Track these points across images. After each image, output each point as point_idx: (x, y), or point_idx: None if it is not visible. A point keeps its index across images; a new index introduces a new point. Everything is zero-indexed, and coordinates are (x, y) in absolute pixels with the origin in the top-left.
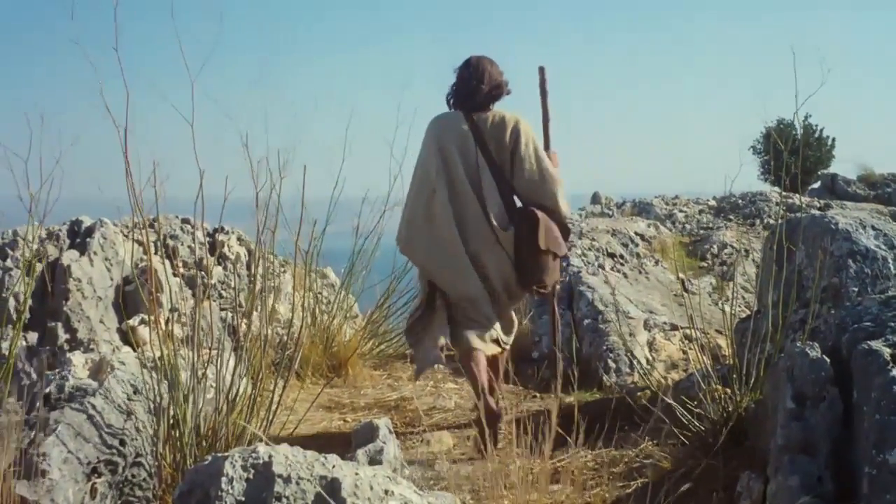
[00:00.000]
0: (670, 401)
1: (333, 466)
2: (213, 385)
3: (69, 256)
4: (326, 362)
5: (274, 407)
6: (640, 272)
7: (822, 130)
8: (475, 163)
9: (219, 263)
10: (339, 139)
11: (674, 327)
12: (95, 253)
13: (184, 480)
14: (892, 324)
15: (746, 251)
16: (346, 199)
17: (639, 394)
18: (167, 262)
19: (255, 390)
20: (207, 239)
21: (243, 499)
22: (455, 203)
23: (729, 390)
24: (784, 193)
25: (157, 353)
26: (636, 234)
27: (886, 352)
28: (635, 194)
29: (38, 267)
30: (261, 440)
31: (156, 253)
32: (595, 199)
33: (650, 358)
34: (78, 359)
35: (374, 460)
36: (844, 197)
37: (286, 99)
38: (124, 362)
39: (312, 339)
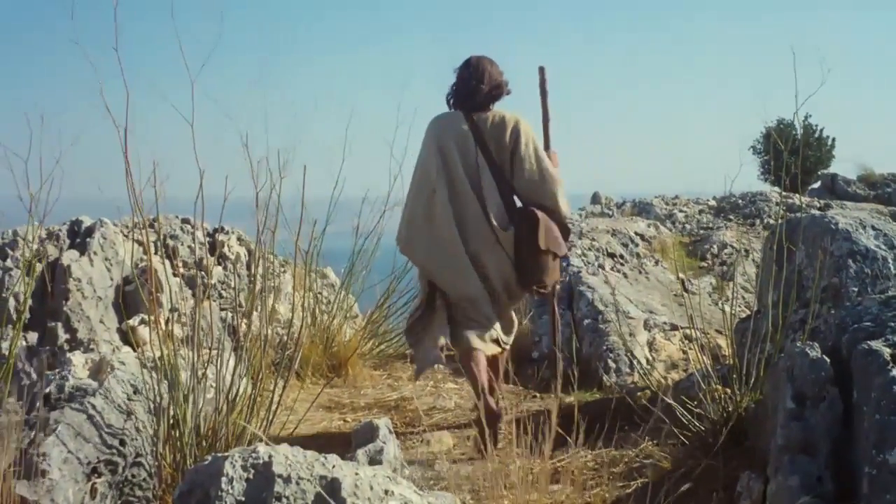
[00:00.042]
0: (670, 401)
1: (333, 466)
2: (213, 385)
3: (69, 256)
4: (326, 362)
5: (274, 407)
6: (640, 272)
7: (822, 130)
8: (475, 163)
9: (219, 263)
10: (339, 139)
11: (674, 327)
12: (95, 253)
13: (184, 480)
14: (892, 324)
15: (746, 251)
16: (346, 199)
17: (639, 394)
18: (167, 262)
19: (255, 390)
20: (207, 239)
21: (243, 499)
22: (455, 203)
23: (729, 390)
24: (784, 193)
25: (157, 353)
26: (636, 234)
27: (886, 352)
28: (635, 194)
29: (38, 267)
30: (261, 440)
31: (156, 253)
32: (595, 199)
33: (650, 358)
34: (78, 359)
35: (374, 460)
36: (844, 197)
37: (286, 99)
38: (124, 362)
39: (312, 339)
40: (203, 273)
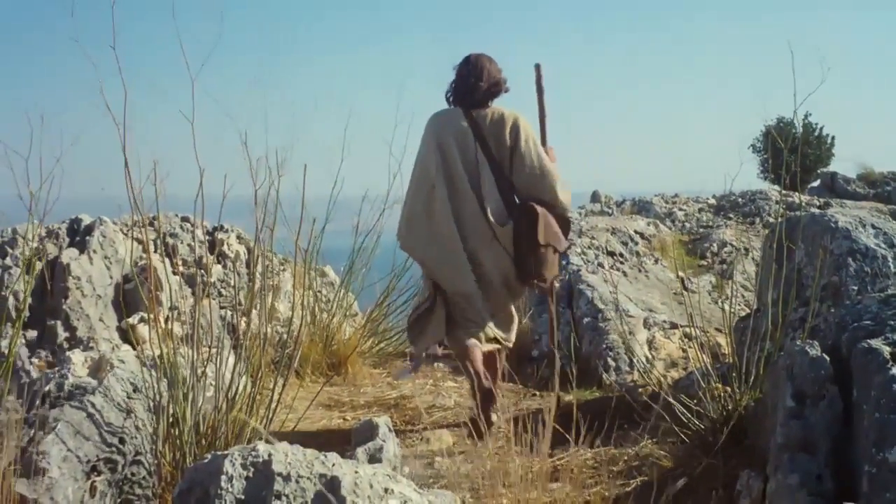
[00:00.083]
0: (670, 399)
1: (333, 465)
2: (213, 383)
3: (69, 255)
4: (326, 360)
5: (273, 405)
6: (640, 270)
7: (821, 129)
8: (474, 159)
9: (218, 262)
10: (338, 139)
11: (673, 326)
12: (95, 251)
13: (183, 479)
14: (892, 322)
15: (746, 249)
16: (346, 198)
17: (640, 390)
18: (167, 260)
19: (255, 388)
20: (207, 237)
21: (243, 497)
22: (454, 199)
23: (729, 389)
24: (784, 192)
25: (157, 352)
26: (636, 232)
27: (886, 350)
28: (635, 193)
29: (38, 265)
30: (262, 436)
31: (155, 251)
32: (595, 197)
33: (650, 356)
34: (77, 357)
35: (374, 458)
36: (844, 195)
37: (286, 99)
38: (124, 360)
39: (312, 338)
40: (202, 271)
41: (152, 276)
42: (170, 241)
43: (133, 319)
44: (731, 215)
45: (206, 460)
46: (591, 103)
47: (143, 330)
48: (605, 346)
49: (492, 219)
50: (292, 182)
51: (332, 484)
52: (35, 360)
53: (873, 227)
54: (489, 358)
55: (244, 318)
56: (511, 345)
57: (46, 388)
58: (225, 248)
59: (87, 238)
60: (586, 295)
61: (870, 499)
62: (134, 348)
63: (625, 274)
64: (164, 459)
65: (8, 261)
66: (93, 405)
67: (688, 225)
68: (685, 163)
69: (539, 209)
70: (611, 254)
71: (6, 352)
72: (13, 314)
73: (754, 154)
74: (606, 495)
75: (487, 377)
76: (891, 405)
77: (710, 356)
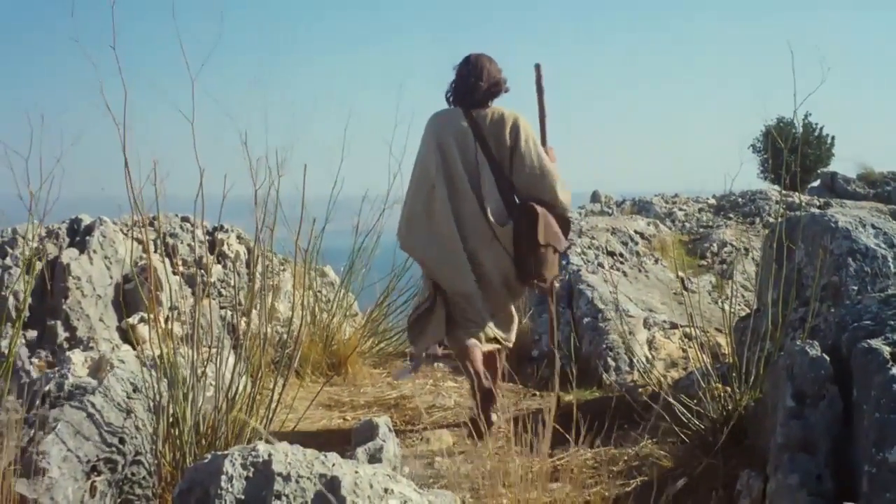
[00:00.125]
0: (670, 399)
1: (333, 465)
2: (213, 383)
3: (69, 255)
4: (326, 360)
5: (273, 405)
6: (640, 270)
7: (821, 129)
8: (475, 159)
9: (218, 262)
10: (338, 139)
11: (673, 326)
12: (95, 251)
13: (183, 479)
14: (892, 322)
15: (746, 249)
16: (346, 198)
17: (640, 390)
18: (167, 260)
19: (255, 388)
20: (207, 237)
21: (243, 497)
22: (454, 200)
23: (729, 389)
24: (784, 192)
25: (157, 352)
26: (636, 232)
27: (886, 350)
28: (635, 193)
29: (38, 265)
30: (262, 436)
31: (155, 251)
32: (595, 197)
33: (650, 356)
34: (77, 357)
35: (374, 458)
36: (844, 195)
37: (286, 99)
38: (124, 360)
39: (312, 338)
40: (202, 271)
41: (152, 276)
42: (170, 241)
43: (133, 319)
44: (731, 215)
45: (206, 460)
46: (591, 103)
47: (143, 330)
48: (605, 346)
49: (492, 219)
50: (292, 182)
51: (333, 484)
52: (35, 360)
53: (873, 227)
54: (489, 358)
55: (244, 318)
56: (511, 345)
57: (46, 388)
58: (225, 248)
59: (87, 238)
60: (586, 295)
61: (870, 499)
62: (134, 348)
63: (625, 274)
64: (164, 459)
65: (8, 261)
66: (93, 405)
67: (688, 225)
68: (685, 163)
69: (539, 209)
70: (611, 254)
71: (6, 352)
72: (13, 314)
73: (754, 154)
74: (606, 495)
75: (487, 377)
76: (891, 405)
77: (710, 356)
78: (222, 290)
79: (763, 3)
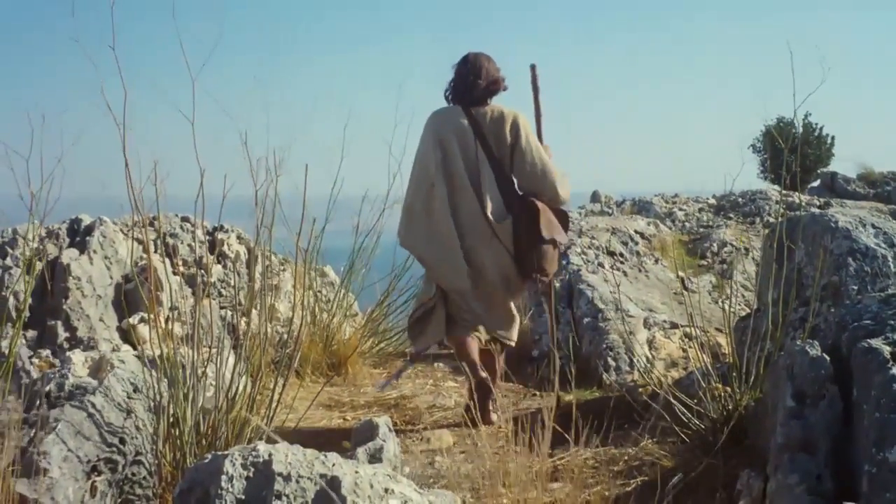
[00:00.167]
0: (670, 399)
1: (333, 465)
2: (213, 383)
3: (69, 255)
4: (326, 360)
5: (274, 405)
6: (640, 270)
7: (821, 129)
8: (475, 157)
9: (218, 262)
10: (338, 139)
11: (673, 325)
12: (95, 251)
13: (184, 478)
14: (892, 322)
15: (746, 249)
16: (346, 198)
17: (640, 390)
18: (167, 260)
19: (255, 388)
20: (207, 237)
21: (243, 497)
22: (453, 197)
23: (729, 388)
24: (784, 192)
25: (157, 352)
26: (636, 232)
27: (886, 350)
28: (635, 193)
29: (38, 265)
30: (264, 434)
31: (155, 251)
32: (595, 197)
33: (650, 356)
34: (78, 357)
35: (374, 458)
36: (844, 195)
37: (286, 99)
38: (124, 361)
39: (312, 338)
40: (203, 271)
41: (152, 276)
42: (170, 241)
43: (133, 319)
44: (732, 215)
45: (206, 460)
46: (591, 103)
47: (143, 330)
48: (605, 345)
49: (491, 216)
50: (292, 182)
51: (333, 484)
52: (35, 361)
53: (873, 226)
54: (488, 358)
55: (244, 318)
56: (513, 344)
57: (47, 388)
58: (225, 248)
59: (88, 238)
60: (586, 295)
61: (870, 499)
62: (134, 348)
63: (625, 274)
64: (165, 459)
65: (8, 261)
66: (93, 405)
67: (688, 225)
68: (685, 163)
69: (539, 205)
70: (611, 254)
71: (6, 352)
72: (13, 314)
73: (754, 154)
74: (606, 495)
75: (483, 367)
76: (891, 405)
77: (711, 356)
78: (222, 290)
79: (763, 3)
